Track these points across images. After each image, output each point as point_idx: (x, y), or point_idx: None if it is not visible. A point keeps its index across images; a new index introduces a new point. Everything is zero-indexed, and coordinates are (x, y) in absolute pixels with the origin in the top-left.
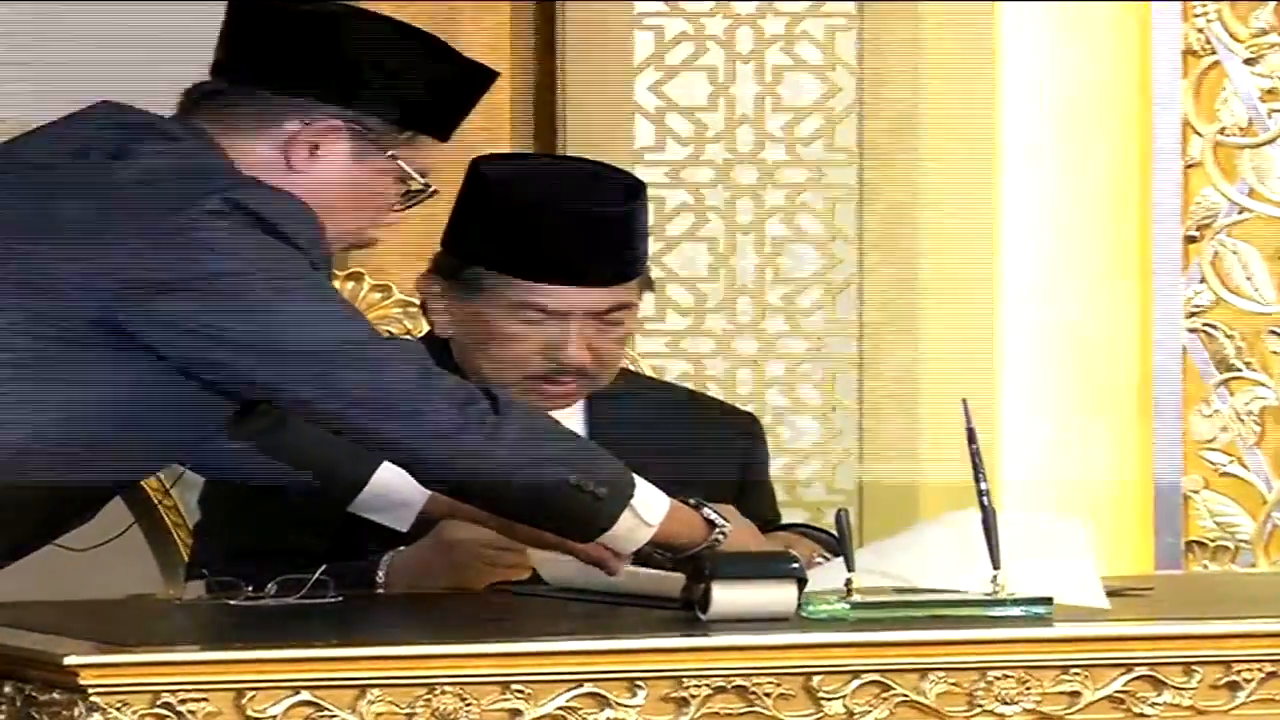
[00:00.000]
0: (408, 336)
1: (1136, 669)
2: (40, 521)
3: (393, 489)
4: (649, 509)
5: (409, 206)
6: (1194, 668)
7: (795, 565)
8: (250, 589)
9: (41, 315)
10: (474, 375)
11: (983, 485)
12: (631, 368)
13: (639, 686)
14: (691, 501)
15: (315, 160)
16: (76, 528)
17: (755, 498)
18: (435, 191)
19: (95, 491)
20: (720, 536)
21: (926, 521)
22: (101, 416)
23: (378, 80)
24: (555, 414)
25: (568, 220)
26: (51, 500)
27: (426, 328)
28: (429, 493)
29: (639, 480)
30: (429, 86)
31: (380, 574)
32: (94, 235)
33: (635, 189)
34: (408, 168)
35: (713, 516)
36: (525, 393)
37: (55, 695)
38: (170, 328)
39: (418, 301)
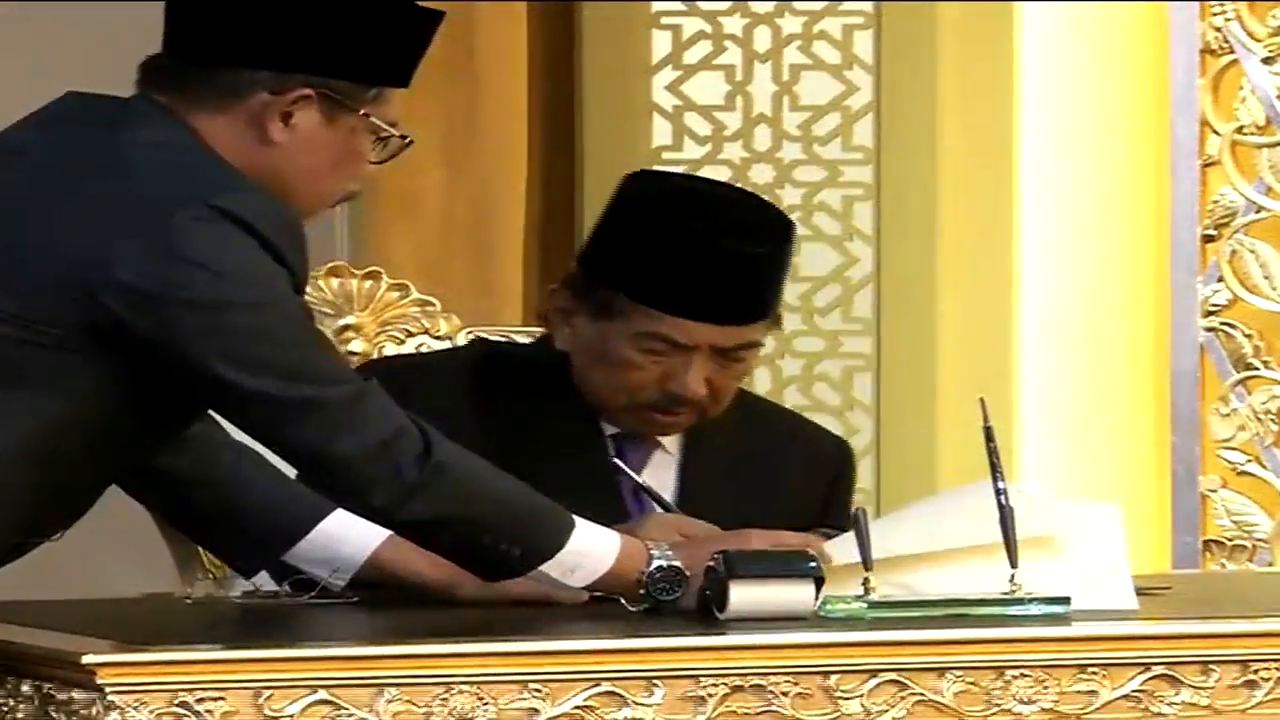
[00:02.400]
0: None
1: (1154, 668)
2: (20, 526)
3: (334, 543)
4: (573, 573)
5: (387, 159)
6: (1211, 667)
7: (813, 565)
8: (262, 588)
9: (20, 317)
10: (588, 393)
11: (1000, 484)
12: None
13: (656, 685)
14: (655, 560)
15: (290, 130)
16: (59, 531)
17: (839, 518)
18: (411, 142)
19: (75, 497)
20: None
21: (944, 493)
22: (81, 421)
23: (340, 41)
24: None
25: (717, 260)
26: (33, 505)
27: (459, 328)
28: (368, 555)
29: (575, 542)
30: (387, 39)
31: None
32: (74, 235)
33: (786, 229)
34: (380, 121)
35: (652, 591)
36: (633, 418)
37: (73, 694)
38: (138, 337)
39: (544, 311)
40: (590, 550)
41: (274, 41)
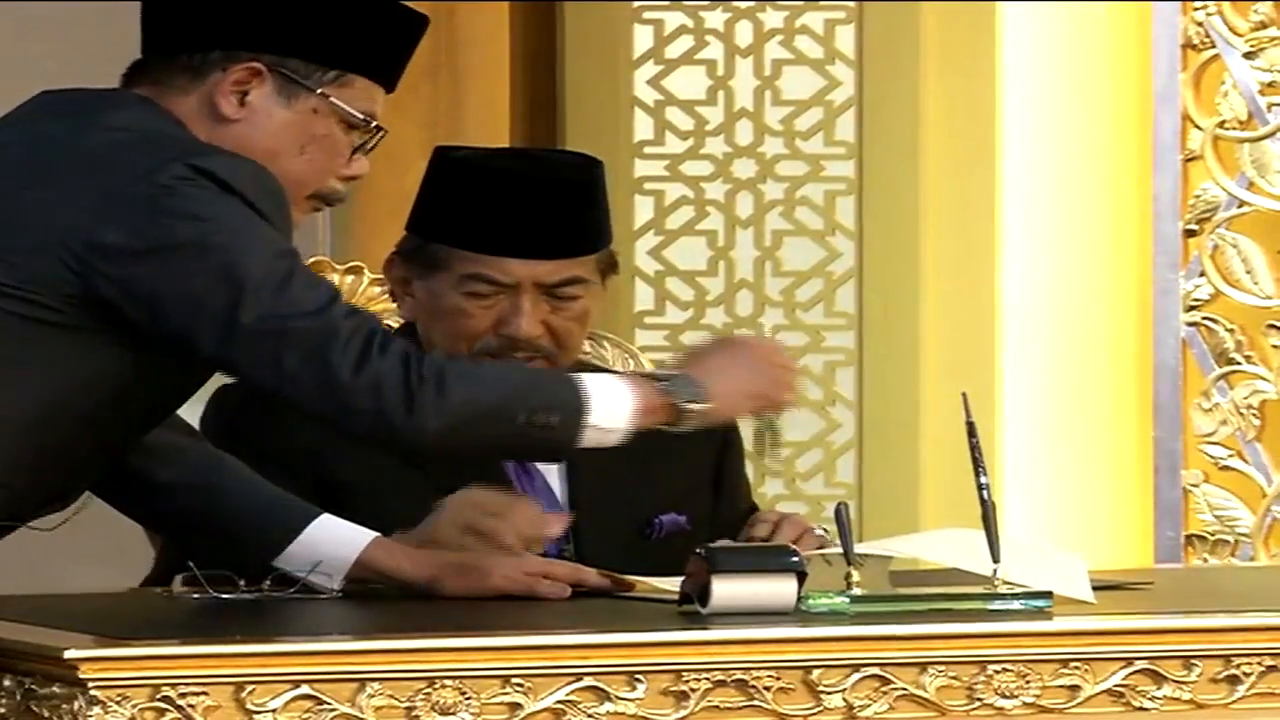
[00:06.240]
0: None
1: (1136, 663)
2: (12, 508)
3: (323, 545)
4: (610, 417)
5: (361, 148)
6: (1193, 661)
7: (795, 559)
8: (243, 583)
9: (20, 290)
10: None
11: (982, 479)
12: (620, 361)
13: (639, 680)
14: (660, 384)
15: (246, 108)
16: (55, 512)
17: (732, 488)
18: (384, 132)
19: (69, 479)
20: (690, 412)
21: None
22: (81, 399)
23: (291, 20)
24: None
25: (510, 188)
26: (26, 484)
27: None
28: (359, 554)
29: (594, 390)
30: (347, 24)
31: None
32: (62, 206)
33: (581, 164)
34: (342, 104)
35: (679, 401)
36: None
37: (55, 689)
38: (135, 293)
39: (389, 287)
40: (609, 389)
41: (225, 22)
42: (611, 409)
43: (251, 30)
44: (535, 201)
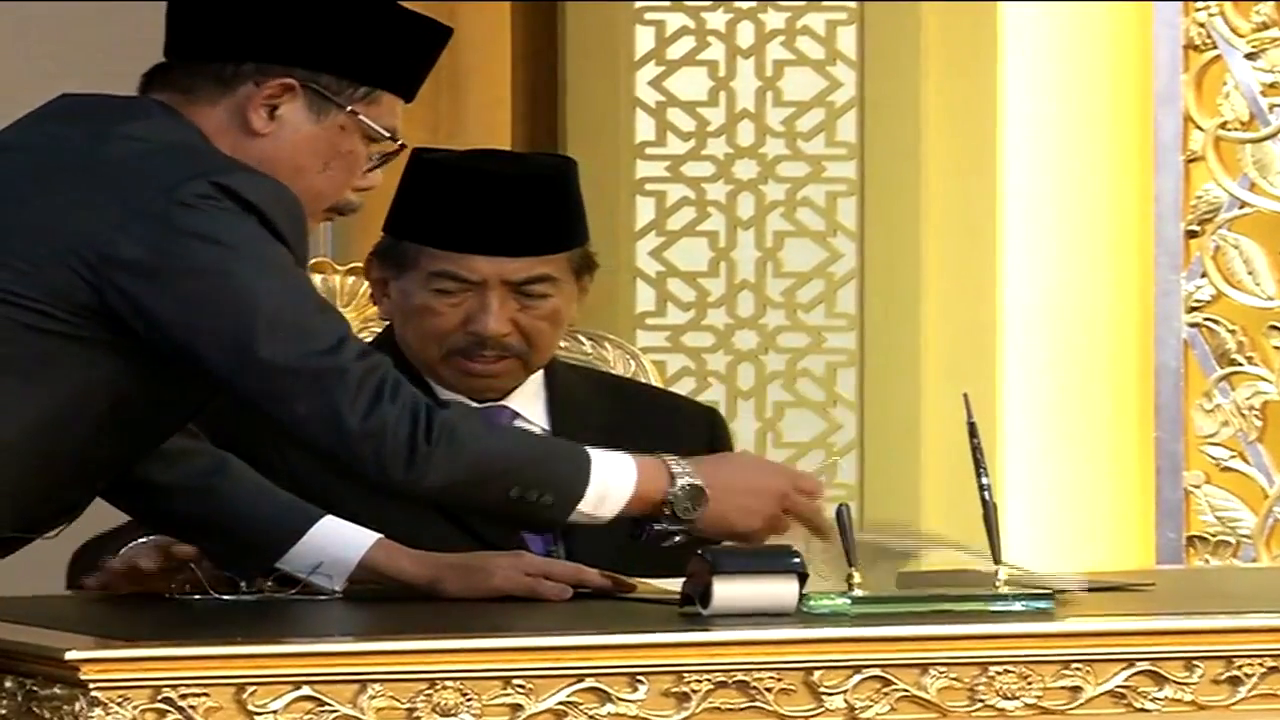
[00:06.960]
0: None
1: (1138, 664)
2: (20, 517)
3: (326, 547)
4: (603, 504)
5: (382, 164)
6: (1195, 663)
7: (796, 560)
8: (244, 585)
9: (32, 301)
10: (411, 358)
11: (984, 480)
12: (598, 363)
13: (640, 681)
14: (674, 469)
15: (275, 122)
16: (56, 527)
17: None
18: (404, 146)
19: (75, 491)
20: (683, 520)
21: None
22: (90, 411)
23: (326, 36)
24: (513, 403)
25: (476, 186)
26: (36, 495)
27: None
28: (360, 558)
29: (596, 477)
30: (378, 40)
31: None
32: (77, 216)
33: (551, 163)
34: (369, 121)
35: (677, 511)
36: (450, 371)
37: (56, 690)
38: (147, 313)
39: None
40: (614, 479)
41: (260, 34)
42: (607, 498)
43: (286, 44)
44: (501, 199)
